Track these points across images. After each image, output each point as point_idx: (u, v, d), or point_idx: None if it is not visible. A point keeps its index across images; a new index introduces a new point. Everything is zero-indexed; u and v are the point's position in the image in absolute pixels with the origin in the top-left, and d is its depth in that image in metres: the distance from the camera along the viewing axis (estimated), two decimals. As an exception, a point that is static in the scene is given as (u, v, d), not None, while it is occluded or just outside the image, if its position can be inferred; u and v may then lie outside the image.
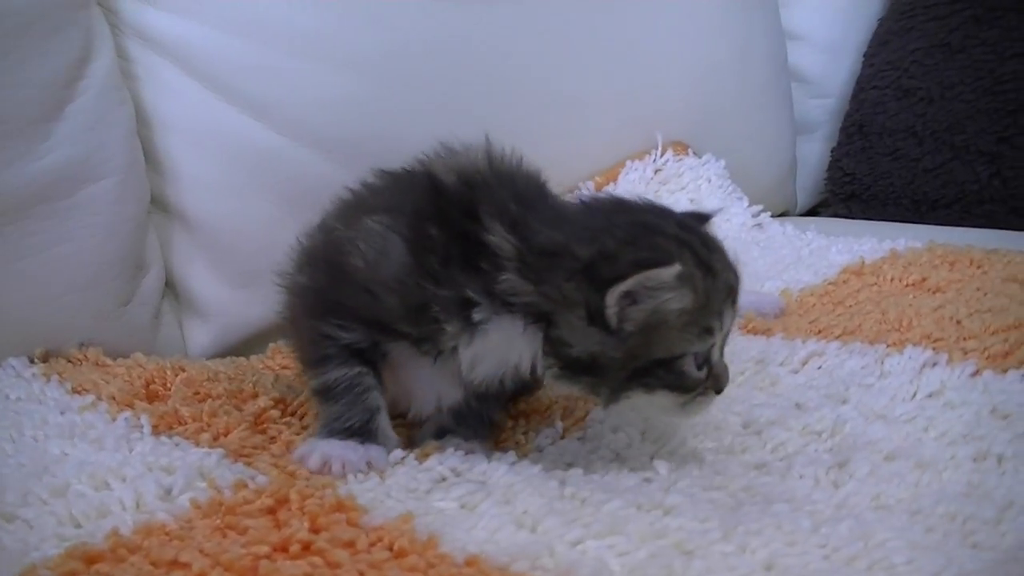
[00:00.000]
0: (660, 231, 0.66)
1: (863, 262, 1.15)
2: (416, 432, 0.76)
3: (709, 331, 0.66)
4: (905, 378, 0.81)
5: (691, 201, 1.38)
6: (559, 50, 1.35)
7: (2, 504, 0.61)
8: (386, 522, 0.58)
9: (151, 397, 0.83)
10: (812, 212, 1.85)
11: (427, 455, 0.70)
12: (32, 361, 0.90)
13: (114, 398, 0.80)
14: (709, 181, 1.44)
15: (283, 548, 0.55)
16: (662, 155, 1.44)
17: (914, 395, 0.79)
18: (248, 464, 0.69)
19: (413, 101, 1.18)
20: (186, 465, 0.66)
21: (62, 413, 0.77)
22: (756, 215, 1.42)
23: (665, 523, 0.58)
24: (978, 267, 1.08)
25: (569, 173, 1.34)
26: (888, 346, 0.87)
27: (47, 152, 0.92)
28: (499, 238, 0.65)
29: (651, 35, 1.47)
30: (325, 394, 0.72)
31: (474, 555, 0.54)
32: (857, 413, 0.76)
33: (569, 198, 0.75)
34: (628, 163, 1.42)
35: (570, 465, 0.70)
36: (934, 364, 0.82)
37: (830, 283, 1.11)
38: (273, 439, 0.75)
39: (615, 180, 1.39)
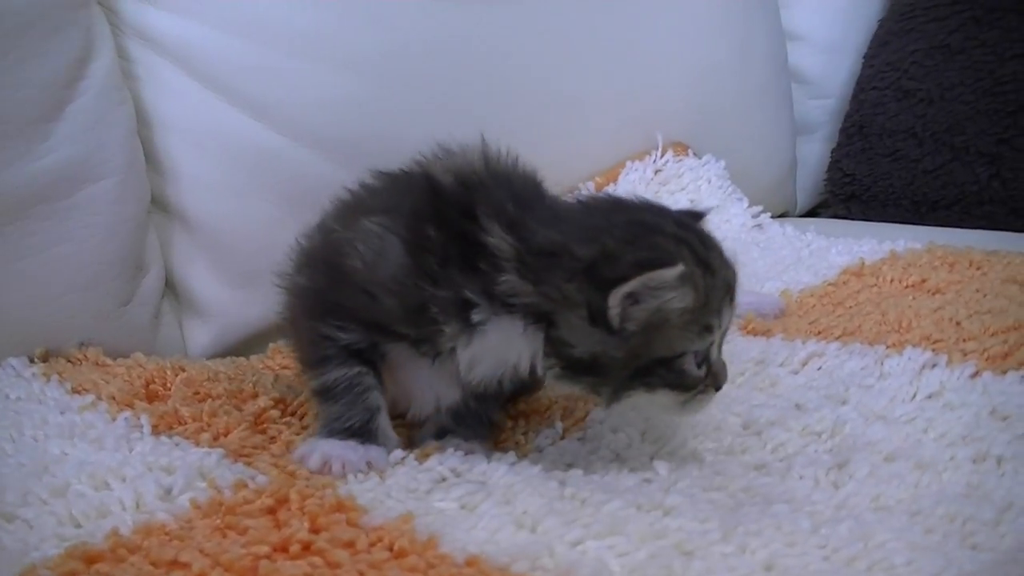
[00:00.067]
0: (659, 230, 0.66)
1: (863, 263, 1.15)
2: (416, 432, 0.76)
3: (709, 329, 0.66)
4: (905, 379, 0.81)
5: (691, 202, 1.38)
6: (559, 50, 1.35)
7: (2, 504, 0.61)
8: (386, 522, 0.58)
9: (151, 397, 0.83)
10: (812, 213, 1.85)
11: (427, 455, 0.70)
12: (32, 361, 0.90)
13: (114, 398, 0.80)
14: (709, 182, 1.44)
15: (283, 548, 0.55)
16: (662, 155, 1.44)
17: (914, 396, 0.79)
18: (248, 464, 0.69)
19: (413, 101, 1.18)
20: (186, 465, 0.66)
21: (62, 413, 0.77)
22: (756, 216, 1.42)
23: (665, 523, 0.58)
24: (978, 268, 1.08)
25: (569, 173, 1.34)
26: (888, 347, 0.87)
27: (47, 152, 0.92)
28: (497, 239, 0.65)
29: (651, 35, 1.47)
30: (325, 394, 0.72)
31: (474, 555, 0.54)
32: (857, 414, 0.76)
33: (567, 198, 0.75)
34: (628, 163, 1.41)
35: (570, 465, 0.70)
36: (934, 365, 0.82)
37: (830, 284, 1.11)
38: (273, 439, 0.75)
39: (615, 181, 1.39)
